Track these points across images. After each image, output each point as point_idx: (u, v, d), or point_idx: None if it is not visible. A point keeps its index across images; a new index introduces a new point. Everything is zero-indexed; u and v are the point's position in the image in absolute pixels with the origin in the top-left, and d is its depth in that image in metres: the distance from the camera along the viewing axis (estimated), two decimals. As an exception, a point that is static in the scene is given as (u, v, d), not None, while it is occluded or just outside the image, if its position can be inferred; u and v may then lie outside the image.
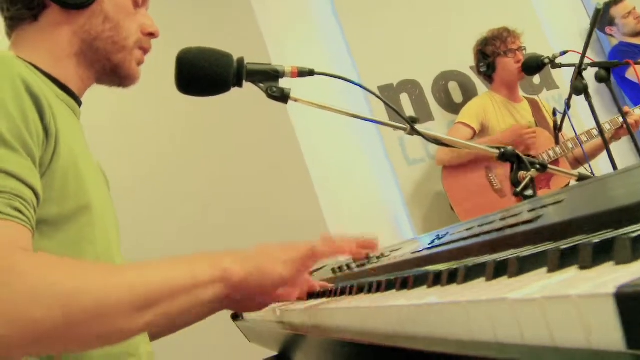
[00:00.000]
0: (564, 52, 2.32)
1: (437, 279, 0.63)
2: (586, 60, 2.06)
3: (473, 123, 2.92)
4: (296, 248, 0.81)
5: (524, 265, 0.48)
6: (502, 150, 1.31)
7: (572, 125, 2.17)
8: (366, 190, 3.01)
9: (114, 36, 1.05)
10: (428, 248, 0.97)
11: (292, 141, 2.88)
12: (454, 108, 3.28)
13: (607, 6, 3.36)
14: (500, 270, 0.52)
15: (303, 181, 2.84)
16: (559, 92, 3.49)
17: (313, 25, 3.15)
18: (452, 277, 0.59)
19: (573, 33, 3.63)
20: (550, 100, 3.43)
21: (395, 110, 1.28)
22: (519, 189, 1.26)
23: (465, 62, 3.31)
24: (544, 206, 0.73)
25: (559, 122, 2.38)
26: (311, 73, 1.28)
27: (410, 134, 1.31)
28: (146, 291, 0.69)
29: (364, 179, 3.04)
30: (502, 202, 2.81)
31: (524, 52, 2.94)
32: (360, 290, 0.83)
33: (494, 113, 2.98)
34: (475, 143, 1.34)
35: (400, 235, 2.99)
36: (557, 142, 2.40)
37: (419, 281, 0.67)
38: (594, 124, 2.75)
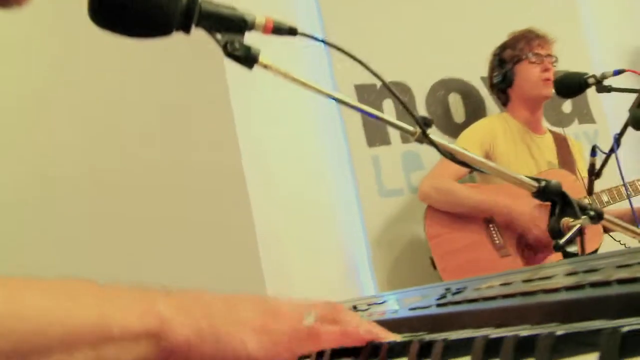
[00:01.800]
0: (619, 72, 2.31)
1: (492, 347, 0.53)
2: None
3: (475, 152, 2.88)
4: (287, 316, 0.71)
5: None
6: (543, 183, 1.25)
7: (620, 169, 2.15)
8: (319, 220, 2.94)
9: None
10: (440, 304, 0.88)
11: (230, 138, 2.79)
12: (452, 129, 3.26)
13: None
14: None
15: (238, 198, 2.74)
16: (595, 128, 3.53)
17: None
18: (524, 347, 0.50)
19: (625, 54, 3.69)
20: (581, 137, 3.45)
21: (402, 103, 1.21)
22: (562, 241, 1.20)
23: (475, 70, 3.30)
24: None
25: (597, 166, 2.37)
26: (292, 32, 1.19)
27: (419, 140, 1.23)
28: (19, 336, 0.59)
29: (318, 205, 2.97)
30: (503, 263, 2.77)
31: (555, 64, 2.95)
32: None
33: (505, 143, 2.96)
34: (506, 170, 1.28)
35: (357, 286, 2.93)
36: (589, 192, 2.38)
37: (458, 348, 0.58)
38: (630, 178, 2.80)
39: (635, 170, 3.03)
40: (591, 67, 3.50)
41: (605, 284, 0.63)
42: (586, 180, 2.50)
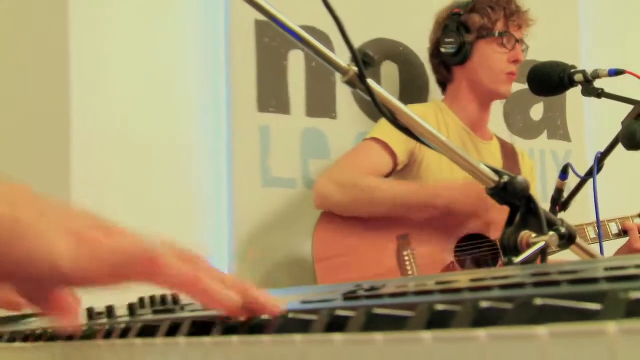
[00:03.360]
0: (616, 72, 2.41)
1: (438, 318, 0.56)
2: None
3: (397, 147, 2.91)
4: (123, 234, 0.76)
5: None
6: (506, 178, 1.29)
7: (596, 200, 2.24)
8: (169, 201, 2.91)
9: None
10: (350, 298, 0.90)
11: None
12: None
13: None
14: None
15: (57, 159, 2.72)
16: (567, 148, 3.67)
17: None
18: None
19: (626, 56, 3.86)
20: (548, 156, 3.57)
21: (338, 24, 1.21)
22: (517, 260, 1.24)
23: (425, 37, 3.34)
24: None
25: (564, 192, 2.46)
26: None
27: (351, 82, 1.25)
28: None
29: (172, 183, 2.95)
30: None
31: (524, 51, 3.04)
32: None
33: (439, 143, 3.02)
34: (461, 151, 1.31)
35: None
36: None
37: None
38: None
39: (613, 205, 3.15)
40: (579, 59, 3.65)
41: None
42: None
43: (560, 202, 2.47)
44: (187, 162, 3.03)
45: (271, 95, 3.10)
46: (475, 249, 2.90)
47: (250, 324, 0.75)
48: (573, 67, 2.54)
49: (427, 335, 0.45)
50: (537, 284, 0.65)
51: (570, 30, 3.77)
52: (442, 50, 3.07)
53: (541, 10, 3.11)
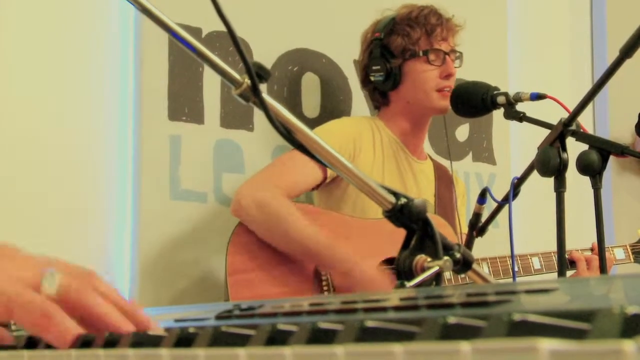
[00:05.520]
0: (538, 96, 2.47)
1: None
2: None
3: None
4: (21, 265, 0.81)
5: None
6: (403, 200, 1.32)
7: (511, 228, 2.29)
8: (67, 210, 2.88)
9: None
10: (222, 317, 0.94)
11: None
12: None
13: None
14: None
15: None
16: (492, 171, 3.76)
17: None
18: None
19: (556, 81, 3.94)
20: (472, 179, 3.63)
21: (231, 34, 1.24)
22: (409, 284, 1.27)
23: (348, 48, 3.38)
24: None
25: (482, 218, 2.51)
26: None
27: (244, 96, 1.28)
28: None
29: (71, 190, 2.91)
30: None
31: (457, 59, 3.10)
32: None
33: (372, 158, 3.05)
34: (362, 174, 1.35)
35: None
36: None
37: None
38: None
39: (532, 236, 3.20)
40: (506, 81, 3.72)
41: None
42: (465, 236, 2.64)
43: (477, 227, 2.51)
44: (89, 169, 2.98)
45: (184, 103, 3.09)
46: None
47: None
48: (496, 88, 2.58)
49: (241, 352, 0.49)
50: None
51: (498, 49, 3.85)
52: (372, 78, 3.11)
53: (469, 28, 3.16)
